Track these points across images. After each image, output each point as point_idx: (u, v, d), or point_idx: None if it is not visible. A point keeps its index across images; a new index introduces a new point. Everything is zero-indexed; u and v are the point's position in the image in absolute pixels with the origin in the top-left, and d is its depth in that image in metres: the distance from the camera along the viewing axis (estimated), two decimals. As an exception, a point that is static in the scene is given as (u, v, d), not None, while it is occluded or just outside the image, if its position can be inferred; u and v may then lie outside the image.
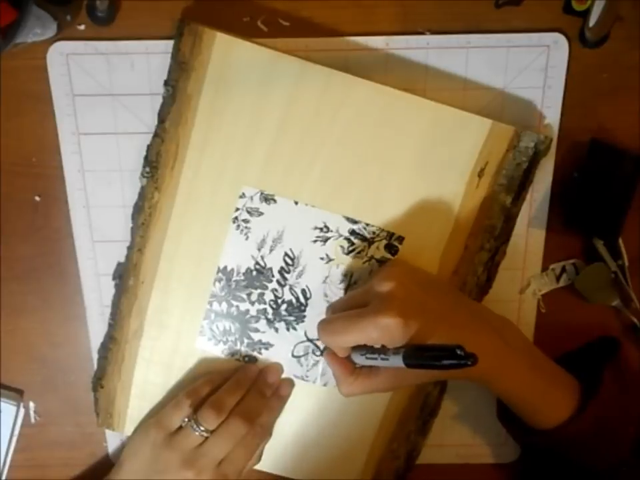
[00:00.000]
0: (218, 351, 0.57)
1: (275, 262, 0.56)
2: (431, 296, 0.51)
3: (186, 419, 0.54)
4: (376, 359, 0.49)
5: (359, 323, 0.48)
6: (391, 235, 0.55)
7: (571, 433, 0.50)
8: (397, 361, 0.47)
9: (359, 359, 0.51)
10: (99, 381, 0.58)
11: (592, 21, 0.51)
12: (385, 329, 0.47)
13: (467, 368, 0.46)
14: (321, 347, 0.57)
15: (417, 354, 0.46)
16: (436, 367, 0.44)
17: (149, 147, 0.54)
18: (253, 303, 0.56)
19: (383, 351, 0.48)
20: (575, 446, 0.51)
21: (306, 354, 0.57)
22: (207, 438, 0.53)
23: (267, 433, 0.57)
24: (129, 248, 0.56)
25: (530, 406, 0.52)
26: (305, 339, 0.57)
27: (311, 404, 0.58)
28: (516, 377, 0.51)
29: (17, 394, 0.60)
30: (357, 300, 0.52)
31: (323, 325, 0.52)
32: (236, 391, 0.55)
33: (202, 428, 0.53)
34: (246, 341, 0.57)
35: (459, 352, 0.43)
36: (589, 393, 0.51)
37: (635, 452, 0.51)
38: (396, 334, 0.47)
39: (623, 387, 0.52)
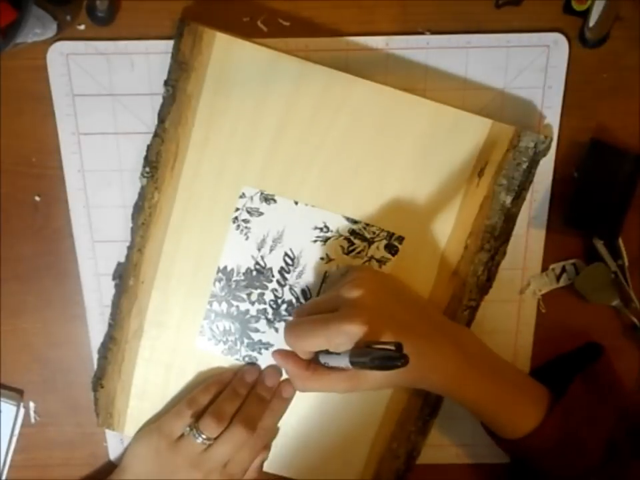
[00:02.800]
0: (218, 351, 0.57)
1: (275, 262, 0.56)
2: (399, 305, 0.51)
3: (188, 428, 0.54)
4: (331, 362, 0.50)
5: (325, 328, 0.48)
6: (391, 235, 0.55)
7: (536, 442, 0.51)
8: (345, 361, 0.47)
9: (322, 360, 0.52)
10: (98, 380, 0.58)
11: (592, 21, 0.51)
12: (349, 336, 0.47)
13: (428, 379, 0.49)
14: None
15: (358, 353, 0.46)
16: (371, 366, 0.44)
17: (148, 147, 0.54)
18: (253, 303, 0.56)
19: (338, 356, 0.49)
20: (542, 455, 0.51)
21: (306, 354, 0.57)
22: (210, 445, 0.53)
23: (270, 434, 0.57)
24: (129, 248, 0.56)
25: (495, 416, 0.52)
26: (305, 338, 0.57)
27: (311, 404, 0.58)
28: (477, 388, 0.51)
29: (17, 394, 0.60)
30: (324, 305, 0.51)
31: (288, 328, 0.52)
32: (235, 398, 0.55)
33: (204, 436, 0.53)
34: (246, 341, 0.57)
35: (391, 350, 0.43)
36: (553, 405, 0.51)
37: (604, 461, 0.51)
38: (368, 339, 0.47)
39: (592, 397, 0.51)
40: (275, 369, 0.57)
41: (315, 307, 0.53)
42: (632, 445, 0.51)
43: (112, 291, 0.57)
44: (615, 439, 0.51)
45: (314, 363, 0.52)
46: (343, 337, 0.47)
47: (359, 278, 0.51)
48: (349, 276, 0.53)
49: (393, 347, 0.44)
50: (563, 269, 0.57)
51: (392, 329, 0.48)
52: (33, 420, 0.60)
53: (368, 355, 0.45)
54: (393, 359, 0.43)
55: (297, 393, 0.57)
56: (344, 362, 0.47)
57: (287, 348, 0.53)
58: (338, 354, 0.48)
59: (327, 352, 0.50)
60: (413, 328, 0.50)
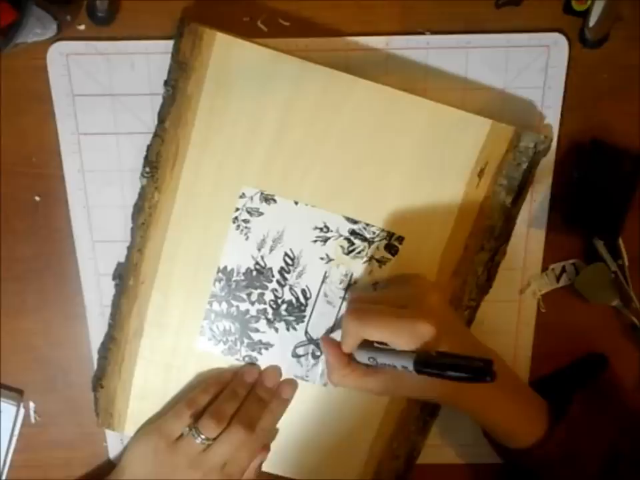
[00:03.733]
0: (218, 351, 0.57)
1: (274, 262, 0.56)
2: (457, 319, 0.52)
3: (187, 428, 0.54)
4: (381, 359, 0.49)
5: (396, 322, 0.48)
6: (391, 235, 0.55)
7: (538, 455, 0.51)
8: (404, 362, 0.46)
9: (362, 357, 0.51)
10: (98, 381, 0.58)
11: (592, 21, 0.51)
12: (419, 336, 0.47)
13: (456, 399, 0.49)
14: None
15: (429, 356, 0.46)
16: (450, 375, 0.43)
17: (148, 147, 0.54)
18: (253, 303, 0.56)
19: (391, 351, 0.48)
20: (544, 468, 0.52)
21: (306, 354, 0.57)
22: (209, 445, 0.53)
23: (269, 434, 0.57)
24: (129, 248, 0.56)
25: (499, 425, 0.53)
26: (305, 339, 0.57)
27: (311, 404, 0.58)
28: (500, 407, 0.52)
29: (17, 394, 0.60)
30: (390, 299, 0.51)
31: (353, 311, 0.51)
32: (234, 398, 0.55)
33: (203, 437, 0.53)
34: (246, 341, 0.57)
35: (478, 364, 0.43)
36: (559, 417, 0.51)
37: (605, 475, 0.51)
38: (427, 344, 0.47)
39: (592, 413, 0.52)
40: (274, 370, 0.57)
41: (380, 298, 0.52)
42: (634, 458, 0.51)
43: (112, 290, 0.57)
44: (618, 452, 0.51)
45: (352, 359, 0.52)
46: (412, 335, 0.47)
47: (430, 284, 0.53)
48: (418, 280, 0.53)
49: (479, 362, 0.43)
50: (563, 269, 0.57)
51: (451, 339, 0.48)
52: (32, 420, 0.60)
53: (442, 362, 0.44)
54: (481, 372, 0.42)
55: (297, 392, 0.57)
56: (402, 363, 0.47)
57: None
58: (391, 352, 0.48)
59: (371, 347, 0.50)
60: (462, 342, 0.50)
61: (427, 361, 0.45)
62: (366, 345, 0.51)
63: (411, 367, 0.46)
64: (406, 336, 0.47)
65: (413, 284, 0.52)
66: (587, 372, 0.55)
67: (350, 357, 0.52)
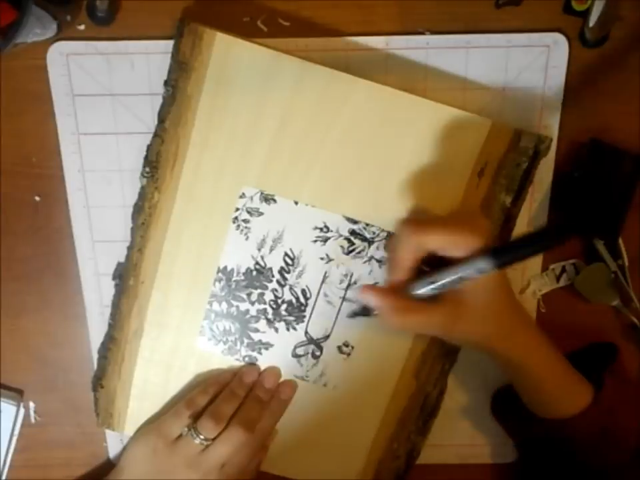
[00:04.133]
0: (218, 350, 0.57)
1: (275, 262, 0.56)
2: None
3: (186, 428, 0.54)
4: (447, 277, 0.48)
5: (454, 225, 0.48)
6: (390, 234, 0.55)
7: (582, 425, 0.50)
8: (479, 264, 0.46)
9: (420, 288, 0.49)
10: (98, 381, 0.58)
11: (592, 21, 0.51)
12: (482, 233, 0.47)
13: (511, 335, 0.48)
14: (322, 346, 0.57)
15: (506, 249, 0.45)
16: (523, 254, 0.43)
17: (148, 147, 0.54)
18: (253, 303, 0.56)
19: (457, 267, 0.47)
20: (581, 440, 0.51)
21: (306, 354, 0.57)
22: (207, 445, 0.53)
23: (268, 435, 0.57)
24: (129, 248, 0.56)
25: (547, 388, 0.51)
26: (305, 339, 0.57)
27: (311, 404, 0.58)
28: (544, 355, 0.51)
29: (17, 394, 0.60)
30: (439, 218, 0.52)
31: (411, 221, 0.50)
32: (233, 399, 0.55)
33: (202, 437, 0.53)
34: (246, 340, 0.57)
35: (548, 229, 0.43)
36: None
37: (635, 456, 0.51)
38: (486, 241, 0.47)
39: (621, 392, 0.52)
40: (274, 371, 0.57)
41: (429, 218, 0.53)
42: None
43: (112, 290, 0.57)
44: None
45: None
46: (475, 232, 0.47)
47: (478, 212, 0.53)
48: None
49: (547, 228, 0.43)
50: (563, 269, 0.57)
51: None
52: (32, 420, 0.60)
53: (515, 243, 0.44)
54: (558, 231, 0.42)
55: (297, 392, 0.57)
56: (473, 267, 0.46)
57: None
58: (457, 266, 0.47)
59: (430, 274, 0.49)
60: (502, 281, 0.50)
61: (504, 249, 0.45)
62: (414, 278, 0.50)
63: (488, 265, 0.45)
64: (466, 236, 0.47)
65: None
66: (598, 359, 0.54)
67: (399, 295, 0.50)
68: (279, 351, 0.57)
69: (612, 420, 0.51)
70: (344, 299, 0.56)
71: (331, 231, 0.55)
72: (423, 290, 0.49)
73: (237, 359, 0.57)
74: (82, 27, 0.54)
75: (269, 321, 0.57)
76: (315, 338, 0.57)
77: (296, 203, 0.55)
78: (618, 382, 0.52)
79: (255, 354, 0.57)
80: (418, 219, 0.51)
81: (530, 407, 0.53)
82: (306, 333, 0.57)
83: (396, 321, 0.49)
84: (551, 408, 0.52)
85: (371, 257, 0.55)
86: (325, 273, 0.56)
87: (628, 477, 0.51)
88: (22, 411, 0.60)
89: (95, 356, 0.58)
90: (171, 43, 0.52)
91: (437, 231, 0.48)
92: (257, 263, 0.56)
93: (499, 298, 0.50)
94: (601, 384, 0.51)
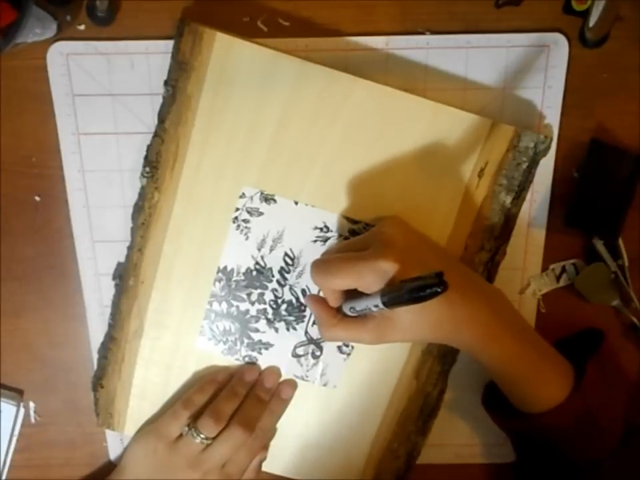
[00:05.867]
0: (218, 350, 0.57)
1: (275, 262, 0.56)
2: (431, 251, 0.51)
3: (186, 428, 0.54)
4: (358, 306, 0.49)
5: (356, 265, 0.47)
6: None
7: (559, 418, 0.49)
8: (376, 301, 0.46)
9: (346, 309, 0.51)
10: (98, 380, 0.58)
11: (592, 21, 0.51)
12: (381, 274, 0.46)
13: (458, 332, 0.47)
14: (323, 346, 0.57)
15: (391, 289, 0.45)
16: (408, 299, 0.43)
17: (148, 147, 0.54)
18: (252, 303, 0.56)
19: (365, 295, 0.48)
20: (561, 433, 0.50)
21: (306, 354, 0.57)
22: (208, 445, 0.53)
23: (268, 434, 0.57)
24: (129, 248, 0.56)
25: (520, 383, 0.51)
26: (305, 339, 0.57)
27: (311, 404, 0.58)
28: (506, 349, 0.50)
29: (17, 394, 0.60)
30: (355, 245, 0.51)
31: (317, 265, 0.51)
32: (234, 398, 0.55)
33: (202, 436, 0.53)
34: (246, 340, 0.57)
35: (429, 279, 0.42)
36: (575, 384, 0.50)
37: (619, 446, 0.50)
38: (395, 279, 0.46)
39: (606, 380, 0.51)
40: (274, 371, 0.57)
41: (345, 246, 0.52)
42: None
43: (112, 290, 0.57)
44: (632, 423, 0.50)
45: (341, 313, 0.52)
46: (374, 274, 0.46)
47: (394, 221, 0.51)
48: (384, 219, 0.52)
49: (430, 277, 0.42)
50: (563, 269, 0.57)
51: (420, 268, 0.46)
52: (32, 420, 0.60)
53: (402, 289, 0.43)
54: (432, 286, 0.42)
55: (297, 392, 0.57)
56: (373, 303, 0.46)
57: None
58: (366, 296, 0.48)
59: (353, 298, 0.49)
60: (434, 268, 0.48)
61: (391, 294, 0.45)
62: (349, 296, 0.50)
63: (380, 304, 0.45)
64: (370, 277, 0.47)
65: (376, 226, 0.52)
66: (586, 344, 0.54)
67: (338, 311, 0.52)
68: (279, 350, 0.57)
69: (594, 410, 0.50)
70: (344, 298, 0.56)
71: (331, 231, 0.55)
72: (348, 312, 0.51)
73: (237, 359, 0.57)
74: (82, 27, 0.54)
75: (269, 321, 0.57)
76: (315, 338, 0.57)
77: (296, 202, 0.55)
78: (601, 371, 0.51)
79: (255, 354, 0.57)
80: (326, 260, 0.51)
81: (511, 401, 0.53)
82: (306, 332, 0.57)
83: (324, 334, 0.52)
84: (527, 401, 0.51)
85: (371, 257, 0.55)
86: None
87: (610, 469, 0.50)
88: (22, 410, 0.60)
89: (95, 356, 0.58)
90: (171, 43, 0.52)
91: (340, 276, 0.48)
92: (257, 263, 0.56)
93: (429, 310, 0.47)
94: (583, 372, 0.50)
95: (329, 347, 0.57)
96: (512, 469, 0.60)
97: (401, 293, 0.44)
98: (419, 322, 0.48)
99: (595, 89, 0.55)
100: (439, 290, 0.41)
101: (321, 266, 0.51)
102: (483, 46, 0.54)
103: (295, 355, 0.57)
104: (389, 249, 0.47)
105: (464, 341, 0.50)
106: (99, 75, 0.54)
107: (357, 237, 0.53)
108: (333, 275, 0.49)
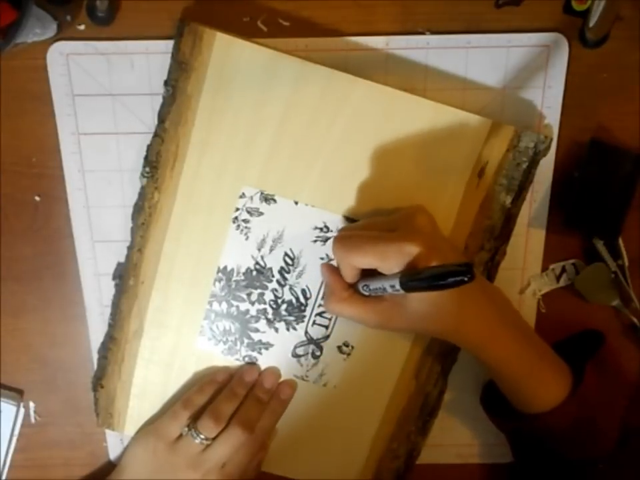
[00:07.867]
0: (218, 350, 0.57)
1: (274, 262, 0.56)
2: (449, 247, 0.51)
3: (185, 428, 0.54)
4: (373, 285, 0.48)
5: (382, 245, 0.47)
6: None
7: (557, 419, 0.50)
8: (393, 282, 0.46)
9: (361, 288, 0.51)
10: (98, 381, 0.58)
11: (592, 21, 0.51)
12: (406, 257, 0.46)
13: (461, 330, 0.47)
14: (323, 346, 0.57)
15: (413, 272, 0.45)
16: (429, 285, 0.43)
17: (148, 147, 0.54)
18: (252, 303, 0.56)
19: (382, 275, 0.48)
20: (559, 434, 0.50)
21: (306, 354, 0.57)
22: (208, 445, 0.53)
23: (268, 435, 0.57)
24: (129, 248, 0.56)
25: (520, 383, 0.51)
26: (305, 339, 0.57)
27: (311, 404, 0.58)
28: (507, 348, 0.50)
29: (17, 394, 0.60)
30: (381, 225, 0.51)
31: (341, 239, 0.51)
32: (233, 398, 0.55)
33: (202, 436, 0.53)
34: (246, 340, 0.57)
35: (458, 267, 0.42)
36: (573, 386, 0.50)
37: (617, 448, 0.50)
38: (416, 264, 0.46)
39: (604, 382, 0.51)
40: (273, 371, 0.57)
41: (371, 224, 0.52)
42: None
43: (112, 290, 0.57)
44: (629, 425, 0.50)
45: (352, 289, 0.52)
46: (399, 256, 0.47)
47: (422, 208, 0.51)
48: (410, 207, 0.52)
49: (457, 266, 0.42)
50: (563, 269, 0.57)
51: (441, 259, 0.47)
52: (33, 420, 0.60)
53: (424, 273, 0.44)
54: (458, 274, 0.42)
55: (297, 392, 0.57)
56: (390, 283, 0.46)
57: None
58: (383, 276, 0.47)
59: (367, 277, 0.49)
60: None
61: (412, 276, 0.45)
62: (365, 275, 0.50)
63: (398, 285, 0.45)
64: (393, 258, 0.47)
65: (401, 210, 0.52)
66: (585, 346, 0.54)
67: (349, 285, 0.52)
68: (278, 350, 0.57)
69: (592, 412, 0.50)
70: (344, 298, 0.56)
71: (331, 231, 0.55)
72: (361, 290, 0.51)
73: (237, 359, 0.57)
74: (82, 27, 0.54)
75: (269, 321, 0.57)
76: (315, 338, 0.57)
77: (296, 202, 0.55)
78: (600, 373, 0.51)
79: (254, 354, 0.57)
80: (351, 236, 0.51)
81: (509, 400, 0.53)
82: (306, 333, 0.57)
83: (331, 305, 0.52)
84: (525, 401, 0.51)
85: (371, 257, 0.55)
86: (325, 272, 0.56)
87: (608, 470, 0.51)
88: (22, 410, 0.60)
89: (95, 356, 0.58)
90: (171, 43, 0.52)
91: (363, 253, 0.48)
92: (257, 263, 0.56)
93: (441, 301, 0.48)
94: (583, 374, 0.50)
95: (329, 347, 0.57)
96: (508, 470, 0.60)
97: (422, 277, 0.44)
98: (428, 313, 0.48)
99: (594, 89, 0.55)
100: (466, 279, 0.42)
101: (344, 241, 0.50)
102: (483, 46, 0.54)
103: (295, 355, 0.57)
104: (418, 235, 0.48)
105: (467, 339, 0.50)
106: (99, 75, 0.54)
107: (383, 217, 0.53)
108: (356, 252, 0.49)
